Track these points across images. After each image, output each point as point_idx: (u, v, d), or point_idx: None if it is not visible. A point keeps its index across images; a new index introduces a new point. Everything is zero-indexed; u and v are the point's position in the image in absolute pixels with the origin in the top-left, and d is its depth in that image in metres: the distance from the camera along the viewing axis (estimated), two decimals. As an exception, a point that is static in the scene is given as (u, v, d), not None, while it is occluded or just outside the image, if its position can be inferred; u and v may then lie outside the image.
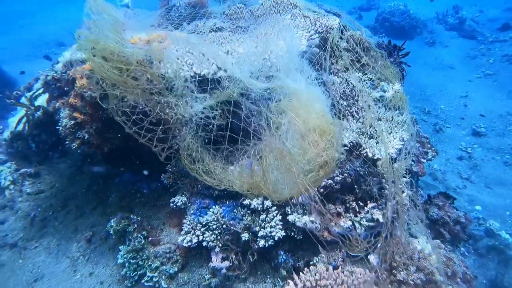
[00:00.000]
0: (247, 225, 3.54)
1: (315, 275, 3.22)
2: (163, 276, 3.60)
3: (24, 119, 3.95)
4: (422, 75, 13.42)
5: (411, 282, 3.34)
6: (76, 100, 3.32)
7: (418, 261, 3.51)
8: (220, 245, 3.57)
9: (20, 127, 4.05)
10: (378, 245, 3.62)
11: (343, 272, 3.27)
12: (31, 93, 3.90)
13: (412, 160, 5.15)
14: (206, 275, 3.60)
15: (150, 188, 4.78)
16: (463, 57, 13.89)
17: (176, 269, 3.65)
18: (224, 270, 3.46)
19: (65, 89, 3.59)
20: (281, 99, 3.15)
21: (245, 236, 3.49)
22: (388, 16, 14.65)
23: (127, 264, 3.64)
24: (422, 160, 5.46)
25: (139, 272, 3.63)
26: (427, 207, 5.84)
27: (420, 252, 3.64)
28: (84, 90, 3.23)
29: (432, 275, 3.43)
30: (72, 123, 3.32)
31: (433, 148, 5.74)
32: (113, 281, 3.82)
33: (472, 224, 8.58)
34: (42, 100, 3.93)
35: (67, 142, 3.41)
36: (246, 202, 3.58)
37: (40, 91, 3.84)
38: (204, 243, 3.54)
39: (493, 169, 9.64)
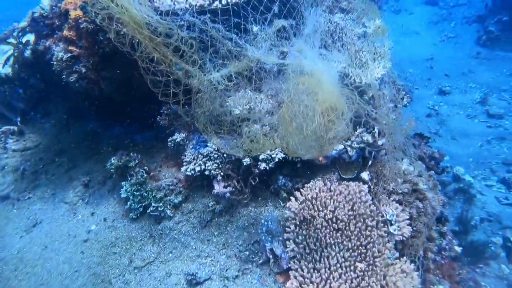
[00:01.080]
0: (248, 151, 3.71)
1: (315, 189, 3.48)
2: (168, 206, 3.73)
3: (12, 59, 3.82)
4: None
5: (400, 191, 3.68)
6: (71, 33, 3.30)
7: (404, 176, 3.85)
8: (222, 173, 3.73)
9: (7, 69, 3.92)
10: (369, 163, 3.94)
11: (340, 185, 3.55)
12: (16, 31, 3.76)
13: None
14: (210, 202, 3.76)
15: (143, 137, 4.83)
16: (427, 23, 14.55)
17: (180, 199, 3.79)
18: (228, 194, 3.64)
19: (57, 23, 3.53)
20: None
21: (246, 161, 3.66)
22: (356, -15, 14.97)
23: (131, 197, 3.73)
24: (398, 105, 5.83)
25: (143, 204, 3.73)
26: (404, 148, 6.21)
27: (405, 170, 3.98)
28: (80, 21, 3.22)
29: (417, 185, 3.80)
30: (68, 55, 3.30)
31: (407, 95, 6.13)
32: (117, 216, 3.91)
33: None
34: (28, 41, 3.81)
35: (63, 76, 3.39)
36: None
37: (27, 29, 3.72)
38: (207, 172, 3.69)
39: (457, 123, 10.37)
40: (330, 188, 3.51)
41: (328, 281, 2.91)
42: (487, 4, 13.01)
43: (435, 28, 14.28)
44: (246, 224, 3.65)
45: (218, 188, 3.72)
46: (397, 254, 3.17)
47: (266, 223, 3.50)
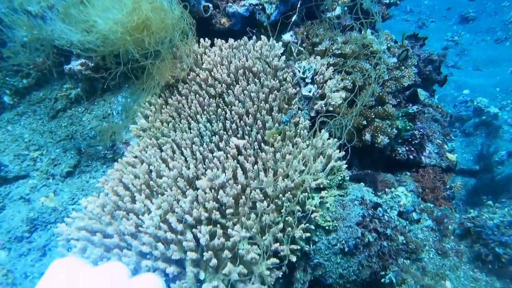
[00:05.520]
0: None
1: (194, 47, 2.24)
2: (7, 91, 2.65)
3: None
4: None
5: (337, 52, 2.35)
6: None
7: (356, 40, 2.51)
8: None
9: None
10: (293, 19, 2.61)
11: (235, 41, 2.28)
12: None
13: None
14: (66, 86, 2.64)
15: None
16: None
17: (25, 83, 2.69)
18: (79, 68, 2.48)
19: None
20: None
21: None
22: None
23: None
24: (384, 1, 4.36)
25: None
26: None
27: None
28: None
29: (369, 47, 2.45)
30: None
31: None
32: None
33: (459, 107, 7.64)
34: None
35: None
36: None
37: None
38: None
39: (483, 50, 8.54)
40: (215, 43, 2.26)
41: (174, 160, 1.70)
42: None
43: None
44: (109, 111, 2.50)
45: (73, 64, 2.58)
46: (306, 124, 1.88)
47: (124, 100, 2.33)
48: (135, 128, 1.97)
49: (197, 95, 1.99)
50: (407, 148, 2.28)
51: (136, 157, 1.78)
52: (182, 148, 1.72)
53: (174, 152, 1.72)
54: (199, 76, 2.05)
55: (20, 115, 2.61)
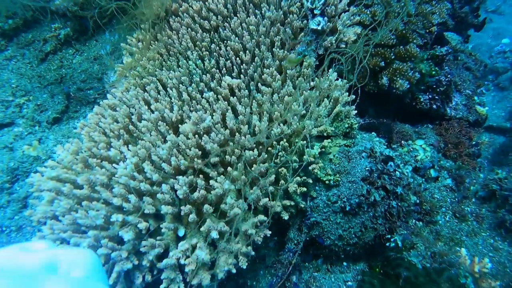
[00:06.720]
0: None
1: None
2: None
3: None
4: None
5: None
6: None
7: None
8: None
9: None
10: None
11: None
12: None
13: None
14: (54, 25, 2.42)
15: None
16: None
17: (13, 24, 2.49)
18: (65, 3, 2.24)
19: None
20: None
21: None
22: None
23: None
24: None
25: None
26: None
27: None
28: None
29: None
30: None
31: None
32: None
33: (495, 58, 6.93)
34: None
35: None
36: None
37: None
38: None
39: (532, -8, 7.56)
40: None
41: (158, 101, 1.50)
42: None
43: None
44: (103, 53, 2.29)
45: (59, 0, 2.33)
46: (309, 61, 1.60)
47: (112, 37, 2.10)
48: (120, 67, 1.76)
49: (189, 29, 1.74)
50: (430, 96, 1.98)
51: (119, 99, 1.59)
52: (168, 88, 1.51)
53: (158, 92, 1.52)
54: (192, 8, 1.78)
55: (9, 59, 2.44)
